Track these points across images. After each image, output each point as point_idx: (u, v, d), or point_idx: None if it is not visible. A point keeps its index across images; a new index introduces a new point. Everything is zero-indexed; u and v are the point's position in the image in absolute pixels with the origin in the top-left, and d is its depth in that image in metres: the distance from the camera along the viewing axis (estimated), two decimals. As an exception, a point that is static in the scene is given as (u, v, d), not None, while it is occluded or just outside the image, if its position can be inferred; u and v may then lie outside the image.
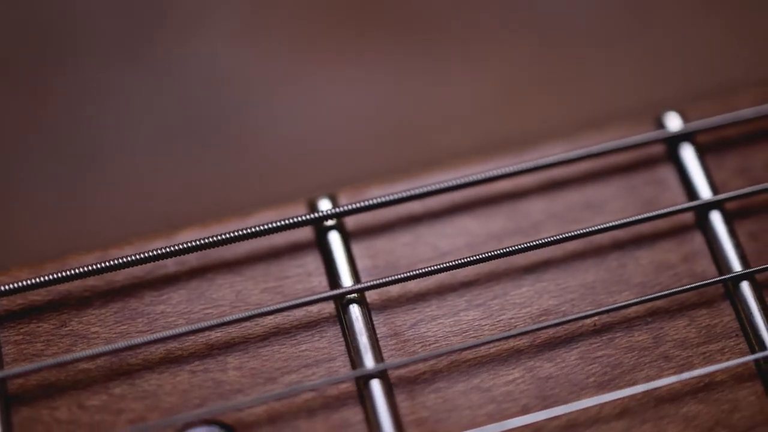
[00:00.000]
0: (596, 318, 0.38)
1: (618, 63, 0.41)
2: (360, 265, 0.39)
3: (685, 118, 0.41)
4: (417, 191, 0.39)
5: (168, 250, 0.38)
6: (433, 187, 0.39)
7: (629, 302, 0.38)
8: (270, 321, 0.38)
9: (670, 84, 0.41)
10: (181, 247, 0.38)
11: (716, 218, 0.40)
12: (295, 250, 0.39)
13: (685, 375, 0.37)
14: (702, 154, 0.41)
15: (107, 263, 0.37)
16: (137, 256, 0.38)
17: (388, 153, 0.41)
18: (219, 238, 0.38)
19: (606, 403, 0.37)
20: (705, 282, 0.38)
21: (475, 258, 0.38)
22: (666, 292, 0.38)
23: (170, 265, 0.39)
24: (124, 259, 0.38)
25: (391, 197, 0.39)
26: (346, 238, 0.39)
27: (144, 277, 0.39)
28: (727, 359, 0.38)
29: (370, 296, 0.38)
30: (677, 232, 0.40)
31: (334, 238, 0.39)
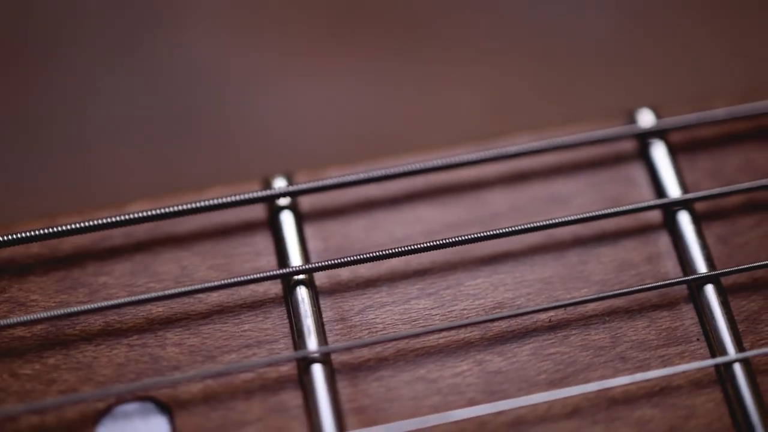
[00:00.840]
0: (552, 314, 0.37)
1: (605, 70, 0.40)
2: (311, 246, 0.38)
3: (659, 116, 0.40)
4: (374, 174, 0.38)
5: (115, 220, 0.37)
6: (391, 171, 0.38)
7: (587, 298, 0.37)
8: (214, 299, 0.37)
9: (658, 92, 0.40)
10: (128, 217, 0.37)
11: (684, 219, 0.39)
12: (246, 228, 0.38)
13: (640, 376, 0.36)
14: (674, 153, 0.40)
15: (51, 229, 0.37)
16: (83, 225, 0.37)
17: (362, 150, 0.40)
18: (167, 210, 0.37)
19: (556, 401, 0.36)
20: (667, 282, 0.37)
21: (428, 245, 0.37)
22: (626, 290, 0.37)
23: (117, 237, 0.38)
24: (70, 227, 0.37)
25: (347, 179, 0.38)
26: (300, 219, 0.38)
27: (89, 247, 0.38)
28: (687, 364, 0.37)
29: (319, 279, 0.37)
30: (643, 231, 0.39)
31: (287, 219, 0.38)
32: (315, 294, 0.37)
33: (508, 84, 0.39)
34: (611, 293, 0.37)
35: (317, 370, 0.35)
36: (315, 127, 0.39)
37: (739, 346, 0.36)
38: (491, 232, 0.37)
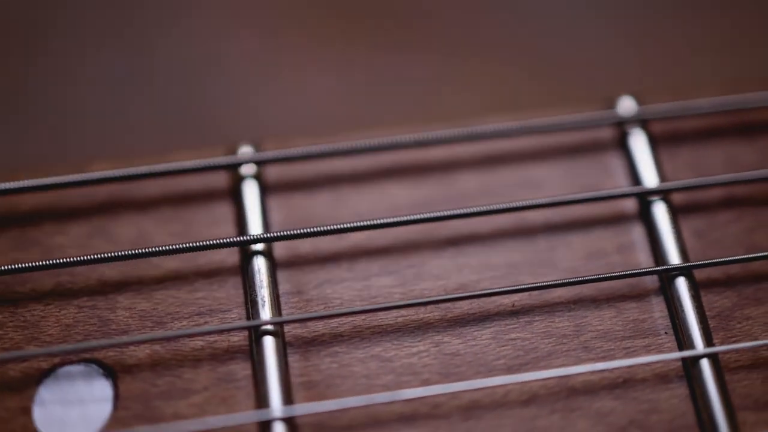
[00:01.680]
0: (515, 299, 0.36)
1: (589, 59, 0.39)
2: (273, 218, 0.37)
3: (641, 104, 0.39)
4: (342, 147, 0.37)
5: (75, 179, 0.36)
6: (360, 145, 0.37)
7: (553, 283, 0.35)
8: (169, 265, 0.36)
9: (644, 83, 0.39)
10: (88, 178, 0.36)
11: (660, 210, 0.37)
12: (208, 196, 0.37)
13: (603, 365, 0.35)
14: (655, 144, 0.39)
15: (9, 185, 0.36)
16: (42, 182, 0.36)
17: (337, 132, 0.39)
18: (128, 173, 0.36)
19: (513, 388, 0.35)
20: (637, 271, 0.36)
21: (391, 221, 0.36)
22: (594, 277, 0.36)
23: (77, 197, 0.37)
24: (28, 184, 0.36)
25: (314, 150, 0.37)
26: (264, 190, 0.37)
27: (48, 206, 0.37)
28: (652, 356, 0.35)
29: (278, 251, 0.36)
30: (616, 220, 0.38)
31: (250, 188, 0.37)
32: (273, 265, 0.36)
33: (491, 73, 0.38)
34: (579, 279, 0.35)
35: (268, 342, 0.34)
36: (293, 107, 0.38)
37: (709, 342, 0.35)
38: (457, 211, 0.36)
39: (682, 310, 0.36)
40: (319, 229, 0.35)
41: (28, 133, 0.36)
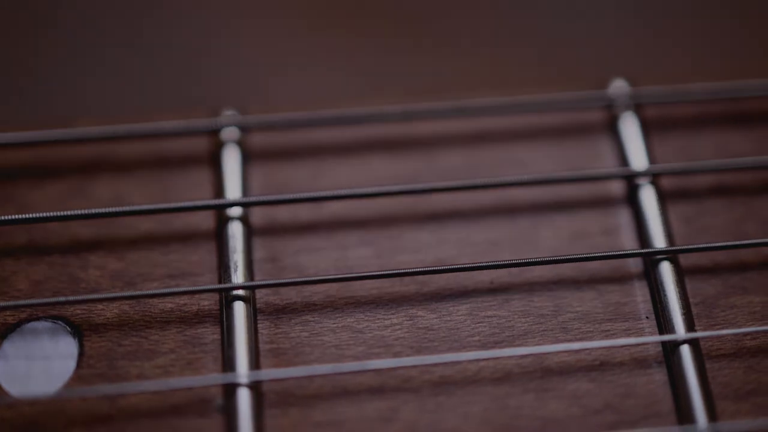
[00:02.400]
0: (494, 276, 0.35)
1: (587, 42, 0.38)
2: (253, 185, 0.36)
3: (634, 88, 0.38)
4: (326, 116, 0.37)
5: (53, 138, 0.36)
6: (345, 115, 0.37)
7: (533, 260, 0.35)
8: (143, 227, 0.35)
9: (639, 67, 0.39)
10: (67, 135, 0.35)
11: (648, 194, 0.36)
12: (189, 160, 0.37)
13: (579, 345, 0.34)
14: (646, 129, 0.38)
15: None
16: (20, 139, 0.36)
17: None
18: (108, 133, 0.36)
19: (487, 365, 0.34)
20: (620, 252, 0.35)
21: (369, 191, 0.35)
22: (576, 256, 0.35)
23: (55, 155, 0.37)
24: (7, 140, 0.36)
25: (297, 117, 0.36)
26: (246, 157, 0.37)
27: (26, 163, 0.37)
28: (631, 338, 0.34)
29: (255, 218, 0.35)
30: (603, 203, 0.37)
31: (231, 154, 0.36)
32: (249, 232, 0.35)
33: (485, 54, 0.38)
34: (559, 258, 0.35)
35: (238, 307, 0.34)
36: (284, 79, 0.38)
37: (690, 329, 0.34)
38: (438, 185, 0.35)
39: (665, 296, 0.35)
40: (296, 196, 0.35)
41: (11, 91, 0.36)
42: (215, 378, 0.32)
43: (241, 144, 0.37)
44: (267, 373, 0.33)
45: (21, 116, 0.35)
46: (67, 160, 0.36)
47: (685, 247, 0.35)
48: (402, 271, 0.34)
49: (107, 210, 0.34)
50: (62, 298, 0.33)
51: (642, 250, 0.35)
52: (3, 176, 0.36)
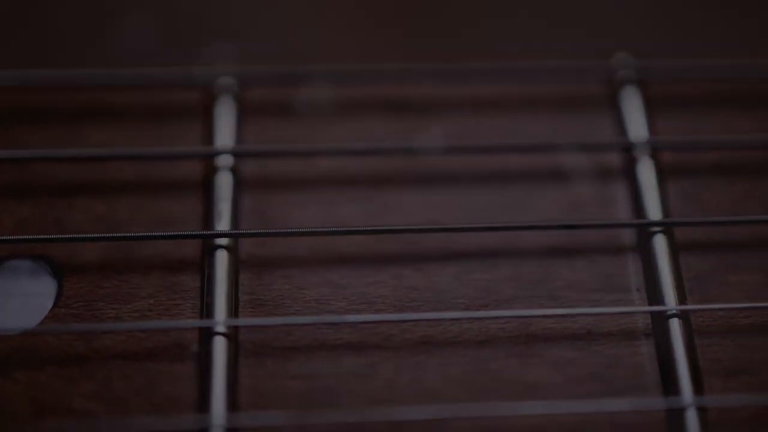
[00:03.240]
0: (484, 239, 0.34)
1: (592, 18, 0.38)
2: (246, 137, 0.36)
3: (639, 63, 0.37)
4: (323, 72, 0.36)
5: (47, 80, 0.35)
6: (342, 71, 0.36)
7: (524, 224, 0.34)
8: (132, 174, 0.35)
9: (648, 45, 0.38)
10: (64, 77, 0.35)
11: (647, 168, 0.36)
12: (183, 112, 0.36)
13: (563, 311, 0.33)
14: (649, 106, 0.37)
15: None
16: (15, 79, 0.36)
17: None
18: (102, 80, 0.36)
19: (470, 327, 0.33)
20: (615, 222, 0.34)
21: (360, 148, 0.34)
22: (566, 224, 0.34)
23: (49, 100, 0.36)
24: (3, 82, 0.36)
25: (293, 73, 0.36)
26: (241, 111, 0.36)
27: (21, 105, 0.36)
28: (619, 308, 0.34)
29: (246, 169, 0.35)
30: (600, 174, 0.36)
31: (226, 106, 0.36)
32: (237, 183, 0.35)
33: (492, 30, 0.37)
34: (551, 224, 0.34)
35: (221, 256, 0.33)
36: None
37: (682, 303, 0.33)
38: (432, 146, 0.35)
39: (658, 269, 0.34)
40: (285, 148, 0.34)
41: (11, 36, 0.36)
42: (191, 322, 0.32)
43: (236, 97, 0.36)
44: (244, 321, 0.32)
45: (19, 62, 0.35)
46: (62, 105, 0.36)
47: (678, 220, 0.34)
48: (389, 228, 0.33)
49: (96, 153, 0.34)
50: (44, 236, 0.33)
51: (634, 221, 0.34)
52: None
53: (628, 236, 0.35)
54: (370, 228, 0.33)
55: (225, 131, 0.35)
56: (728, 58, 0.37)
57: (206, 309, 0.32)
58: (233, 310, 0.32)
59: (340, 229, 0.33)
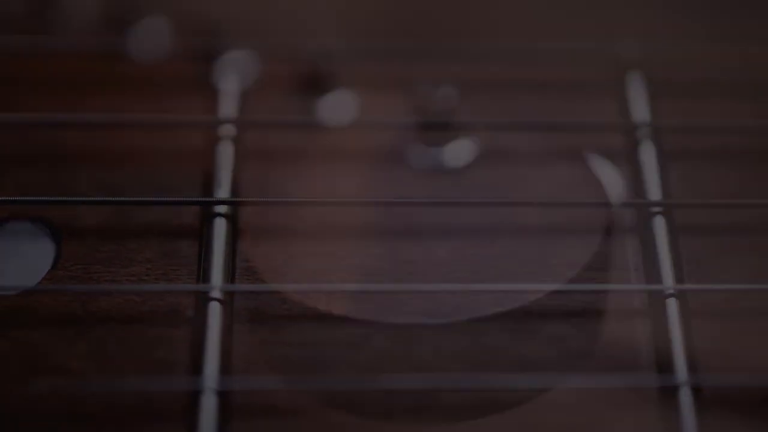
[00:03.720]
0: (481, 215, 0.35)
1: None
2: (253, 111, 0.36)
3: (645, 50, 0.37)
4: (327, 48, 0.36)
5: (52, 47, 0.36)
6: (347, 48, 0.36)
7: (520, 200, 0.34)
8: (135, 143, 0.35)
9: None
10: (66, 47, 0.35)
11: (648, 150, 0.36)
12: (189, 85, 0.37)
13: (558, 285, 0.32)
14: (654, 90, 0.37)
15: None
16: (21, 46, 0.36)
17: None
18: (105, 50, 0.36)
19: (463, 302, 0.33)
20: (610, 201, 0.34)
21: (364, 121, 0.35)
22: (564, 201, 0.34)
23: (56, 67, 0.37)
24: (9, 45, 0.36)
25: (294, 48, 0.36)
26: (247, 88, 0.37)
27: (25, 73, 0.37)
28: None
29: (248, 143, 0.34)
30: (601, 156, 0.36)
31: (230, 79, 0.37)
32: (239, 153, 0.35)
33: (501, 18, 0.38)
34: (548, 201, 0.34)
35: (219, 224, 0.33)
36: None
37: (679, 284, 0.34)
38: (431, 122, 0.35)
39: (656, 250, 0.34)
40: (287, 119, 0.34)
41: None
42: (187, 286, 0.32)
43: (242, 73, 0.37)
44: (240, 287, 0.32)
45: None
46: (68, 73, 0.37)
47: (677, 201, 0.34)
48: (387, 200, 0.34)
49: (100, 118, 0.34)
50: (44, 197, 0.33)
51: (636, 200, 0.34)
52: (2, 84, 0.36)
53: (627, 217, 0.35)
54: (369, 200, 0.33)
55: (229, 103, 0.36)
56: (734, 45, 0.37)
57: (203, 275, 0.33)
58: (230, 277, 0.33)
59: (337, 200, 0.33)
